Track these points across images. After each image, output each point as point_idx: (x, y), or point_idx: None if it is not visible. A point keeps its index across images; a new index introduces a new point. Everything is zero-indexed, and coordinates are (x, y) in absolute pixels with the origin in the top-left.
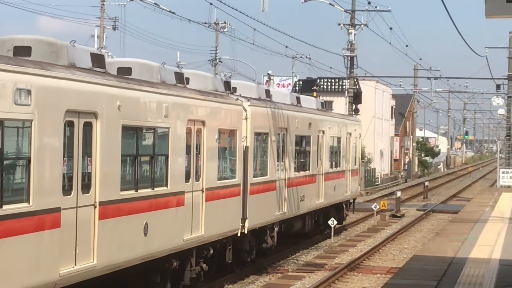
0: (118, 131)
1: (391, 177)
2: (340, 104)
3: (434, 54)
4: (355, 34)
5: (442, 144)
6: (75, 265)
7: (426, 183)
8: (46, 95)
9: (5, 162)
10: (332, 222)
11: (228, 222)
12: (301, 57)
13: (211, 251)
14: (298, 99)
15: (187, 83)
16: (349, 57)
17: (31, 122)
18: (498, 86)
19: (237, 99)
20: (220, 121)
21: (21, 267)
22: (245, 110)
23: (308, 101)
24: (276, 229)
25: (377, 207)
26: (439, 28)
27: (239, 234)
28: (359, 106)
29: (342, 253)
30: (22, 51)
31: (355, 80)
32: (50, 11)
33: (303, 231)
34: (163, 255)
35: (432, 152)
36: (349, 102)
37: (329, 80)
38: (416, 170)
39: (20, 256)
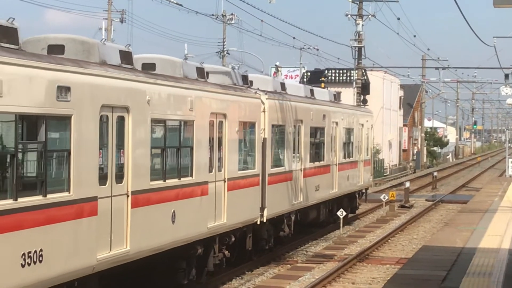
0: (147, 124)
1: (399, 167)
2: (348, 95)
3: (442, 44)
4: (362, 25)
5: (451, 134)
6: (111, 250)
7: (435, 174)
8: (84, 92)
9: (49, 154)
10: (341, 213)
11: (248, 211)
12: (308, 48)
13: (233, 239)
14: (311, 91)
15: (207, 77)
16: (357, 48)
17: (71, 117)
18: (506, 76)
19: (256, 92)
20: (240, 114)
21: (63, 252)
22: (263, 103)
23: (321, 93)
24: (292, 218)
25: (386, 197)
26: (447, 18)
27: (258, 223)
28: (367, 96)
29: (351, 244)
30: (56, 50)
31: (363, 70)
32: (57, 4)
33: (318, 220)
34: (189, 242)
35: (441, 142)
36: (357, 93)
37: (337, 71)
38: (424, 160)
39: (62, 241)
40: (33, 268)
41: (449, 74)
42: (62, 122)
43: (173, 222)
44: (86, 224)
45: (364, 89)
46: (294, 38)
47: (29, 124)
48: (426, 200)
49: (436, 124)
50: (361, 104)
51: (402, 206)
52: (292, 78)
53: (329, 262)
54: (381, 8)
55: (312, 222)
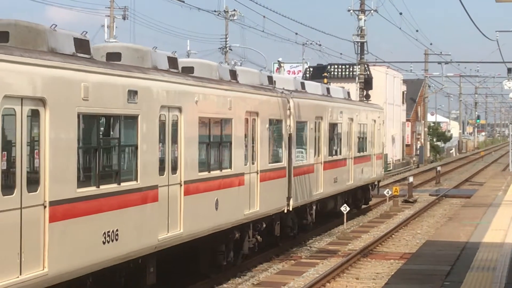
0: (196, 122)
1: (403, 162)
2: (351, 90)
3: (445, 38)
4: (365, 20)
5: (454, 129)
6: (168, 232)
7: (438, 168)
8: (147, 94)
9: (122, 149)
10: (345, 209)
11: (277, 200)
12: (311, 43)
13: (264, 225)
14: (328, 90)
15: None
16: (359, 43)
17: (138, 116)
18: (509, 70)
19: (282, 92)
20: (269, 112)
21: (133, 232)
22: (289, 102)
23: (336, 91)
24: (314, 207)
25: (390, 192)
26: (449, 13)
27: (285, 211)
28: (370, 92)
29: (355, 239)
30: (113, 57)
31: (365, 66)
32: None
33: (335, 210)
34: (229, 227)
35: (444, 137)
36: (360, 88)
37: (340, 66)
38: (428, 155)
39: (132, 223)
40: (111, 245)
41: (452, 69)
42: (131, 121)
43: (216, 208)
44: (149, 209)
45: (367, 84)
46: (296, 33)
47: (107, 123)
48: (430, 195)
49: (439, 118)
50: (364, 99)
51: (406, 201)
52: (294, 73)
53: (333, 257)
54: (384, 3)
55: (330, 212)
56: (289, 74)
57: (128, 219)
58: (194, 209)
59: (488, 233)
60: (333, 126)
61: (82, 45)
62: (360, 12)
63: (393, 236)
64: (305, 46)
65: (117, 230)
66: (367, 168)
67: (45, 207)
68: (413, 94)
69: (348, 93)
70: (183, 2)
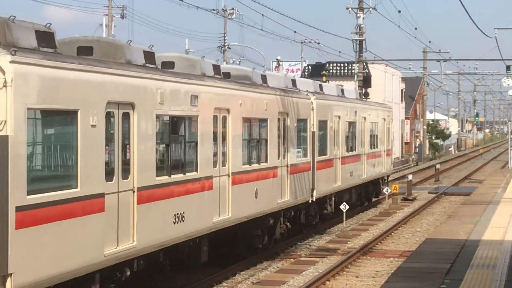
0: (240, 122)
1: (402, 160)
2: (350, 88)
3: (443, 36)
4: (363, 18)
5: (453, 127)
6: (219, 216)
7: (438, 166)
8: (205, 98)
9: (186, 144)
10: (344, 207)
11: (303, 191)
12: (309, 42)
13: (292, 213)
14: (342, 91)
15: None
16: (358, 41)
17: (198, 117)
18: (508, 67)
19: (307, 94)
20: (297, 112)
21: (195, 215)
22: (312, 103)
23: (350, 92)
24: (333, 198)
25: (389, 190)
26: (448, 10)
27: (309, 201)
28: (369, 90)
29: (355, 238)
30: (168, 65)
31: (364, 64)
32: (58, 0)
33: (350, 202)
34: (265, 214)
35: (443, 135)
36: (358, 86)
37: (338, 64)
38: (427, 153)
39: (194, 208)
40: (179, 225)
41: (451, 66)
42: (193, 121)
43: (256, 197)
44: (206, 196)
45: (366, 82)
46: (295, 32)
47: (175, 123)
48: (429, 192)
49: (438, 116)
50: (363, 97)
51: (405, 199)
52: (293, 72)
53: (332, 256)
54: (382, 1)
55: (346, 204)
56: (287, 72)
57: (191, 204)
58: (239, 197)
59: (488, 230)
60: (349, 124)
61: (149, 57)
62: (358, 10)
63: (392, 234)
64: (303, 44)
65: (183, 213)
66: (378, 163)
67: (134, 191)
68: (412, 92)
69: (360, 93)
70: (182, 0)
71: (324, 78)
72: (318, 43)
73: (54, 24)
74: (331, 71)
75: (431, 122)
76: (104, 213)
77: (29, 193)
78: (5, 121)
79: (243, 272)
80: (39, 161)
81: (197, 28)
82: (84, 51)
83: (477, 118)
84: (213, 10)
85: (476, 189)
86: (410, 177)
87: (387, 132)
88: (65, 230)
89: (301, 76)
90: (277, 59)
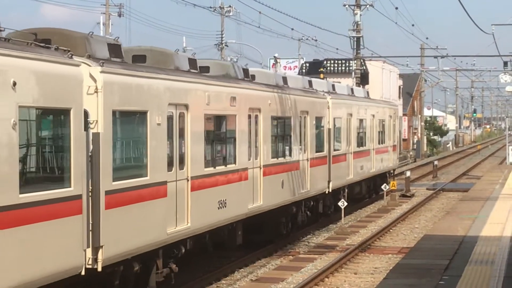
0: (269, 120)
1: (400, 157)
2: (358, 88)
3: (441, 32)
4: (361, 15)
5: (451, 123)
6: (253, 204)
7: (435, 162)
8: (241, 99)
9: (227, 140)
10: (342, 204)
11: (321, 183)
12: (307, 39)
13: (312, 203)
14: (352, 90)
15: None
16: (355, 38)
17: (236, 116)
18: (505, 63)
19: (323, 94)
20: (315, 110)
21: (234, 202)
22: (328, 102)
23: (358, 91)
24: (346, 190)
25: (387, 187)
26: (445, 7)
27: (326, 192)
28: (366, 86)
29: (353, 234)
30: (204, 70)
31: (361, 60)
32: None
33: (360, 194)
34: (288, 203)
35: (441, 131)
36: (356, 83)
37: (336, 61)
38: (425, 149)
39: (233, 195)
40: (223, 210)
41: (448, 63)
42: (232, 119)
43: (282, 187)
44: (243, 185)
45: (363, 79)
46: (292, 29)
47: (218, 121)
48: (427, 189)
49: (436, 112)
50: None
51: (403, 196)
52: (291, 69)
53: (331, 252)
54: None
55: (356, 196)
56: (285, 69)
57: (231, 192)
58: (269, 187)
59: (486, 226)
60: (360, 121)
61: (193, 63)
62: (356, 6)
63: (391, 230)
64: (301, 42)
65: (225, 200)
66: (385, 158)
67: (188, 180)
68: (410, 89)
69: (368, 92)
70: None
71: (322, 75)
72: (316, 40)
73: (51, 23)
74: (328, 68)
75: (428, 119)
76: (167, 198)
77: (114, 179)
78: (97, 121)
79: (242, 269)
80: (120, 154)
81: (195, 26)
82: (139, 59)
83: (475, 114)
84: (210, 7)
85: (474, 185)
86: (408, 173)
87: (393, 128)
88: (139, 211)
89: (299, 73)
90: (274, 57)
